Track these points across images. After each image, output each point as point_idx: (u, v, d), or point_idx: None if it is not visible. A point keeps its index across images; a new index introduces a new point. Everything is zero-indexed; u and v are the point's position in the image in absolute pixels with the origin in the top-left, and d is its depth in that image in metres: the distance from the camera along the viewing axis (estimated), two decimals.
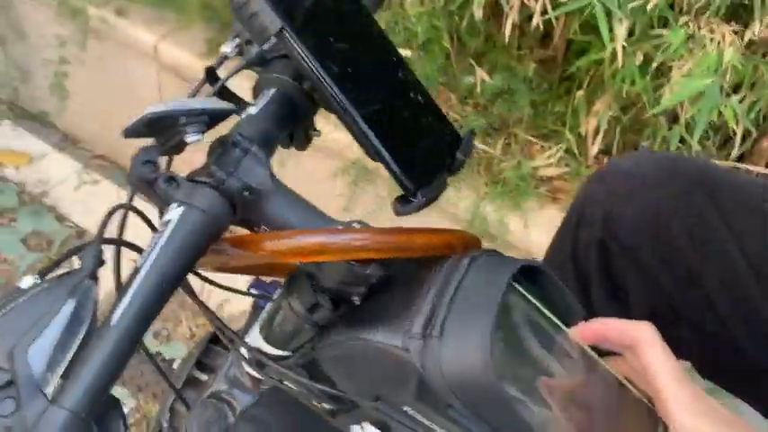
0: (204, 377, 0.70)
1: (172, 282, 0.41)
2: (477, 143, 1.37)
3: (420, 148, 0.51)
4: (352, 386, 0.51)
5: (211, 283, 0.60)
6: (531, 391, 0.47)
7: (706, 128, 1.11)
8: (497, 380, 0.43)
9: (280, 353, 0.58)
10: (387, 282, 0.51)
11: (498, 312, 0.46)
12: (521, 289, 0.50)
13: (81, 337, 0.38)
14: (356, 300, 0.50)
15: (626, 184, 0.60)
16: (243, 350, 0.61)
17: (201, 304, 0.58)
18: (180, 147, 0.45)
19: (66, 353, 0.37)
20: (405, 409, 0.49)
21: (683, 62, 1.06)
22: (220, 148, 0.46)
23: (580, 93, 1.31)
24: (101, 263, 0.41)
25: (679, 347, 0.50)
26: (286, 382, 0.59)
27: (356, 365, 0.49)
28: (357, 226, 0.48)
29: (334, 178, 1.42)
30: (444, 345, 0.44)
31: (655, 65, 1.12)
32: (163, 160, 0.46)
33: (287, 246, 0.45)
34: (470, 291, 0.46)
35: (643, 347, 0.48)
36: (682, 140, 1.22)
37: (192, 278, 0.52)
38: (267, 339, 0.58)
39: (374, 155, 0.48)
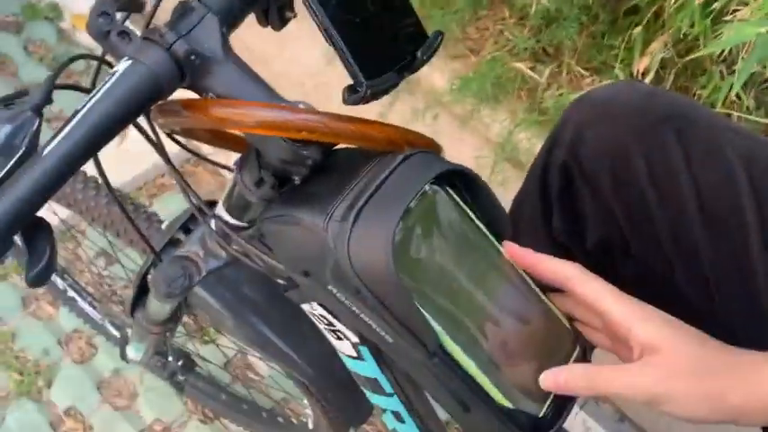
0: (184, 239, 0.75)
1: (109, 127, 0.44)
2: (524, 67, 1.33)
3: (379, 39, 0.51)
4: (288, 261, 0.54)
5: (186, 148, 0.63)
6: (437, 290, 0.49)
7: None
8: (396, 271, 0.45)
9: (238, 223, 0.62)
10: (327, 168, 0.52)
11: (416, 208, 0.48)
12: (453, 193, 0.51)
13: (12, 162, 0.42)
14: (296, 180, 0.52)
15: (597, 110, 0.59)
16: (211, 220, 0.65)
17: (173, 168, 0.62)
18: (138, 4, 0.47)
19: None
20: (329, 288, 0.52)
21: (745, 7, 0.99)
22: (180, 12, 0.48)
23: (638, 29, 1.24)
24: (47, 100, 0.45)
25: (625, 285, 0.51)
26: (249, 256, 0.63)
27: (289, 240, 0.52)
28: (302, 107, 0.50)
29: None
30: (355, 230, 0.46)
31: (716, 5, 1.05)
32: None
33: (230, 114, 0.47)
34: (393, 184, 0.48)
35: (576, 282, 0.50)
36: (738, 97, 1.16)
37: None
38: (228, 210, 0.61)
39: (328, 38, 0.49)
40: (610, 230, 0.61)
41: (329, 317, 0.59)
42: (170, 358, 1.04)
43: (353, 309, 0.52)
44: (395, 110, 1.44)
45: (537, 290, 0.54)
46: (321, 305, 0.58)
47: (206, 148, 1.50)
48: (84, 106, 0.44)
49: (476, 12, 1.40)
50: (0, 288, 1.49)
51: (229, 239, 0.64)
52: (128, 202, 0.83)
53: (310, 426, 1.11)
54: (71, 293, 1.33)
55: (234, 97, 0.49)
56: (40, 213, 0.44)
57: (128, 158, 1.53)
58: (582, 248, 0.65)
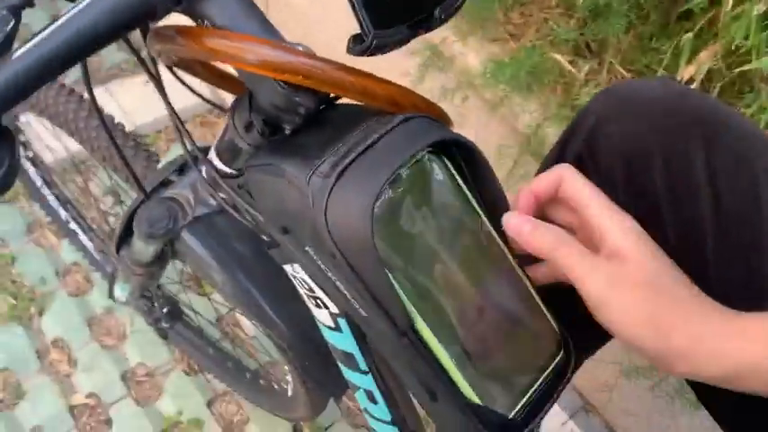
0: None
1: (91, 39, 0.41)
2: (563, 60, 1.28)
3: None
4: (269, 214, 0.51)
5: (183, 84, 0.60)
6: (418, 268, 0.45)
7: None
8: (373, 240, 0.41)
9: (226, 170, 0.59)
10: (322, 120, 0.49)
11: (408, 176, 0.44)
12: (450, 166, 0.47)
13: None
14: (287, 129, 0.49)
15: (622, 103, 0.54)
16: (202, 165, 0.62)
17: (169, 105, 0.59)
18: None
19: None
20: (306, 249, 0.49)
21: None
22: None
23: (688, 36, 1.18)
24: (28, 2, 0.42)
25: None
26: (236, 207, 0.60)
27: (271, 192, 0.49)
28: (301, 49, 0.46)
29: (405, 55, 1.37)
30: (336, 189, 0.43)
31: None
32: None
33: (223, 46, 0.43)
34: (385, 146, 0.44)
35: (568, 181, 0.48)
36: None
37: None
38: (218, 155, 0.58)
39: None
40: None
41: (310, 282, 0.56)
42: (156, 304, 1.02)
43: (329, 275, 0.48)
44: (423, 86, 1.39)
45: (528, 285, 0.50)
46: (301, 268, 0.55)
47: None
48: (66, 13, 0.41)
49: None
50: (6, 210, 1.49)
51: (218, 186, 0.61)
52: (129, 138, 0.81)
53: (289, 393, 1.08)
54: (73, 225, 1.32)
55: (230, 29, 0.45)
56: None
57: (151, 100, 1.52)
58: None
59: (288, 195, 0.47)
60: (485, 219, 0.49)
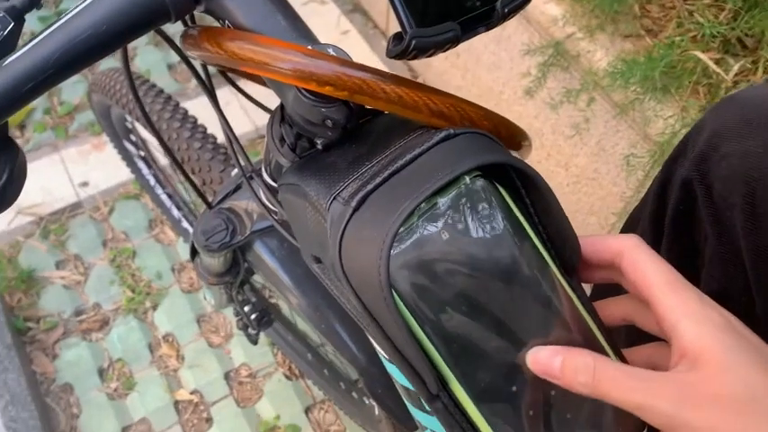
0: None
1: (91, 46, 0.37)
2: (708, 58, 1.11)
3: None
4: (300, 239, 0.45)
5: (236, 87, 0.55)
6: (457, 319, 0.37)
7: None
8: (389, 285, 0.34)
9: (273, 184, 0.53)
10: (358, 135, 0.42)
11: (448, 204, 0.36)
12: (505, 195, 0.38)
13: None
14: (318, 144, 0.42)
15: (744, 117, 0.42)
16: (255, 182, 0.57)
17: (222, 116, 0.55)
18: None
19: None
20: (337, 284, 0.42)
21: None
22: None
23: None
24: (32, 4, 0.38)
25: None
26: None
27: (298, 216, 0.43)
28: (332, 52, 0.39)
29: (525, 54, 1.27)
30: (354, 219, 0.35)
31: None
32: None
33: (238, 49, 0.38)
34: (418, 168, 0.36)
35: (627, 256, 0.37)
36: None
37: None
38: (266, 169, 0.53)
39: None
40: (732, 278, 0.44)
41: None
42: (246, 308, 1.00)
43: (359, 318, 0.41)
44: (544, 86, 1.28)
45: (603, 342, 0.40)
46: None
47: None
48: (66, 15, 0.37)
49: None
50: (132, 206, 1.55)
51: (271, 201, 0.56)
52: (208, 141, 0.78)
53: (376, 413, 1.03)
54: (185, 224, 1.34)
55: (251, 29, 0.40)
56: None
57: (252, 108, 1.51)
58: None
59: (313, 221, 0.40)
60: (549, 259, 0.39)
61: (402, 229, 0.35)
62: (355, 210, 0.36)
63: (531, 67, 1.28)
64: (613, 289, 0.42)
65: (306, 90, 0.39)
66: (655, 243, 0.51)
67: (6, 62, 0.36)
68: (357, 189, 0.37)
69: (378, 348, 0.54)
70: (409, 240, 0.35)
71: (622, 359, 0.40)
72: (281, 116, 0.44)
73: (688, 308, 0.34)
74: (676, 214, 0.48)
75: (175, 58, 1.79)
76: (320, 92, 0.37)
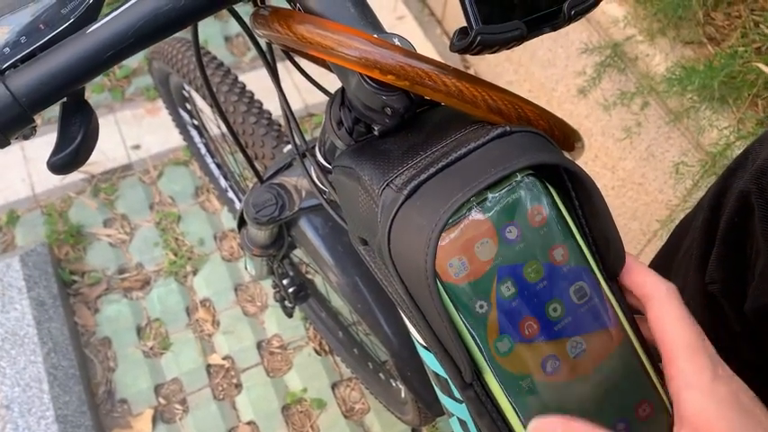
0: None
1: (168, 18, 0.39)
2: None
3: None
4: (350, 220, 0.46)
5: (299, 69, 0.57)
6: (482, 310, 0.38)
7: None
8: (434, 273, 0.35)
9: (327, 165, 0.55)
10: (415, 124, 0.43)
11: (498, 199, 0.37)
12: (555, 196, 0.39)
13: (54, 33, 0.38)
14: (376, 130, 0.44)
15: None
16: (307, 161, 0.59)
17: (282, 95, 0.56)
18: None
19: (33, 39, 0.37)
20: (382, 266, 0.43)
21: None
22: None
23: None
24: None
25: None
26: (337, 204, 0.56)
27: (350, 197, 0.44)
28: (397, 42, 0.40)
29: (582, 53, 1.25)
30: (405, 206, 0.37)
31: None
32: None
33: (307, 32, 0.39)
34: (472, 162, 0.37)
35: (654, 305, 0.37)
36: None
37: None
38: (320, 149, 0.55)
39: None
40: None
41: None
42: (284, 281, 1.03)
43: (405, 299, 0.43)
44: (598, 87, 1.26)
45: (641, 353, 0.41)
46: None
47: None
48: None
49: None
50: (180, 172, 1.59)
51: (322, 181, 0.57)
52: (263, 116, 0.80)
53: (402, 395, 1.04)
54: (231, 195, 1.37)
55: (321, 13, 0.41)
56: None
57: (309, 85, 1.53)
58: (736, 308, 0.48)
59: (363, 204, 0.42)
60: (592, 261, 0.40)
61: (451, 219, 0.36)
62: (407, 197, 0.37)
63: (587, 67, 1.27)
64: None
65: (369, 77, 0.40)
66: (705, 252, 0.51)
67: (90, 30, 0.38)
68: (410, 178, 0.38)
69: (414, 334, 0.56)
70: (457, 231, 0.36)
71: (658, 372, 0.41)
72: (341, 100, 0.45)
73: (699, 378, 0.34)
74: (730, 226, 0.48)
75: (232, 30, 1.82)
76: (382, 80, 0.38)
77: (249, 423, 1.31)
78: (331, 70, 0.57)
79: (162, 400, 1.33)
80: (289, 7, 0.43)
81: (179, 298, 1.44)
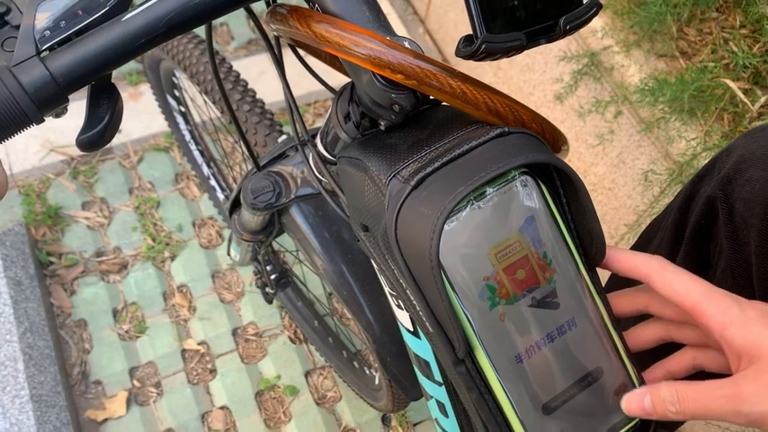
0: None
1: (198, 8, 0.42)
2: (737, 87, 1.15)
3: None
4: (352, 209, 0.50)
5: (304, 64, 0.60)
6: (479, 289, 0.42)
7: None
8: (437, 257, 0.39)
9: (328, 156, 0.58)
10: (419, 121, 0.47)
11: (495, 194, 0.41)
12: (546, 192, 0.43)
13: (90, 19, 0.40)
14: (382, 126, 0.47)
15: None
16: (307, 149, 0.62)
17: (286, 85, 0.59)
18: None
19: (71, 24, 0.40)
20: (382, 251, 0.47)
21: None
22: None
23: None
24: None
25: None
26: (335, 194, 0.60)
27: (355, 187, 0.47)
28: (407, 44, 0.44)
29: (561, 61, 1.30)
30: (412, 196, 0.40)
31: None
32: None
33: (325, 31, 0.42)
34: (473, 158, 0.41)
35: (657, 278, 0.42)
36: None
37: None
38: (322, 140, 0.58)
39: None
40: (740, 291, 0.49)
41: (387, 283, 0.54)
42: (266, 268, 1.05)
43: (401, 282, 0.46)
44: (574, 94, 1.32)
45: (616, 338, 0.45)
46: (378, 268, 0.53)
47: None
48: None
49: (702, 12, 1.23)
50: (161, 158, 1.60)
51: (320, 170, 0.61)
52: (257, 105, 0.83)
53: (376, 382, 1.08)
54: (213, 182, 1.39)
55: (338, 15, 0.44)
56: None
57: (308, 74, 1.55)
58: None
59: (369, 193, 0.45)
60: (575, 252, 0.44)
61: (454, 210, 0.39)
62: (414, 188, 0.40)
63: (564, 74, 1.32)
64: (624, 283, 0.47)
65: (380, 75, 0.44)
66: (673, 251, 0.56)
67: (125, 18, 0.40)
68: (416, 170, 0.41)
69: (401, 319, 0.59)
70: (458, 219, 0.40)
71: (625, 345, 0.45)
72: (350, 95, 0.49)
73: (729, 314, 0.38)
74: (697, 228, 0.53)
75: (216, 20, 1.83)
76: (392, 78, 0.42)
77: (222, 408, 1.33)
78: (332, 66, 0.60)
79: (136, 383, 1.35)
80: (307, 6, 0.46)
81: (156, 283, 1.45)
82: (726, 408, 0.37)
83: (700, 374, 0.42)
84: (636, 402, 0.42)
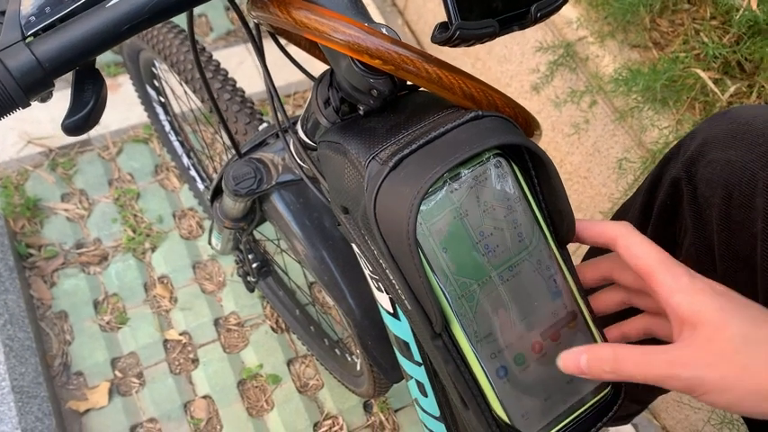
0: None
1: None
2: (707, 77, 1.18)
3: None
4: (333, 192, 0.51)
5: (284, 52, 0.61)
6: (466, 271, 0.44)
7: None
8: (414, 235, 0.40)
9: (308, 141, 0.59)
10: (397, 106, 0.48)
11: (470, 174, 0.43)
12: (518, 173, 0.45)
13: (75, 5, 0.41)
14: (361, 110, 0.49)
15: (733, 129, 0.48)
16: (288, 136, 0.63)
17: (267, 72, 0.60)
18: None
19: (56, 10, 0.41)
20: (362, 231, 0.48)
21: None
22: None
23: None
24: None
25: None
26: (317, 180, 0.61)
27: (335, 170, 0.49)
28: (384, 31, 0.45)
29: (537, 51, 1.33)
30: (390, 177, 0.42)
31: None
32: None
33: (305, 18, 0.44)
34: (449, 141, 0.43)
35: (621, 242, 0.44)
36: None
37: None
38: (303, 126, 0.59)
39: None
40: (703, 269, 0.51)
41: (367, 264, 0.56)
42: (248, 257, 1.06)
43: (381, 261, 0.48)
44: (550, 84, 1.34)
45: (586, 312, 0.47)
46: (358, 249, 0.55)
47: None
48: None
49: (674, 3, 1.25)
50: (141, 150, 1.60)
51: (300, 157, 0.62)
52: (237, 94, 0.84)
53: (357, 368, 1.10)
54: (193, 173, 1.39)
55: (317, 2, 0.46)
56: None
57: (289, 63, 1.56)
58: None
59: (349, 176, 0.47)
60: (548, 233, 0.46)
61: (430, 190, 0.41)
62: (392, 169, 0.42)
63: (541, 65, 1.34)
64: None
65: (358, 61, 0.45)
66: (641, 231, 0.58)
67: (109, 4, 0.41)
68: (394, 152, 0.43)
69: (381, 300, 0.61)
70: (434, 200, 0.42)
71: (592, 313, 0.47)
72: (329, 81, 0.50)
73: (680, 281, 0.40)
74: (663, 208, 0.55)
75: (195, 11, 1.83)
76: (370, 64, 0.43)
77: (205, 397, 1.34)
78: (311, 54, 0.61)
79: (118, 374, 1.35)
80: None
81: (137, 274, 1.45)
82: (664, 372, 0.38)
83: (653, 342, 0.44)
84: (572, 361, 0.43)
